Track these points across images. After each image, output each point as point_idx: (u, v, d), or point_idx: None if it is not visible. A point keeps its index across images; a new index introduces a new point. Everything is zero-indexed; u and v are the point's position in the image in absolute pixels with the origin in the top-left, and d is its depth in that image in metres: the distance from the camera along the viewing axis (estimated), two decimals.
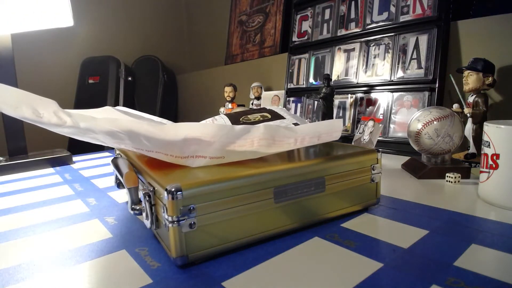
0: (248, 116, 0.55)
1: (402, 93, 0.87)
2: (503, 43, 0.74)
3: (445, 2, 0.80)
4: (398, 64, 0.88)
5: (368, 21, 0.96)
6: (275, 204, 0.35)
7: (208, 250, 0.32)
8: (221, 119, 0.57)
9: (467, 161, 0.65)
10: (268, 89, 1.36)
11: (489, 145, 0.44)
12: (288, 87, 1.22)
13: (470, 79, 0.67)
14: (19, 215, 0.49)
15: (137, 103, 2.06)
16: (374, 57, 0.94)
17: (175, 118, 2.20)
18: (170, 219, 0.30)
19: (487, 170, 0.44)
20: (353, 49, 1.00)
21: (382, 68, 0.92)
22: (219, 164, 0.37)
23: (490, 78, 0.66)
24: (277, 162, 0.37)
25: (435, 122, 0.57)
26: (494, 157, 0.43)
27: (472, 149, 0.67)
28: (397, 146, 0.84)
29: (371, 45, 0.96)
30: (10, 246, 0.38)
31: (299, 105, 1.17)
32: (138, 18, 2.17)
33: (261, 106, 1.31)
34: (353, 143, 0.80)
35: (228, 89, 1.28)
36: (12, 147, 0.86)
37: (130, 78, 1.98)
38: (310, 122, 1.10)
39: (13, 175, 0.77)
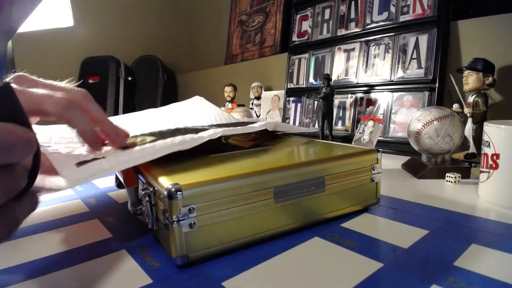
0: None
1: (402, 93, 0.87)
2: (503, 43, 0.74)
3: (445, 2, 0.80)
4: (398, 64, 0.88)
5: (368, 21, 0.96)
6: (275, 204, 0.35)
7: (208, 250, 0.32)
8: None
9: (467, 161, 0.65)
10: (268, 89, 1.36)
11: (489, 145, 0.44)
12: (288, 87, 1.22)
13: (470, 79, 0.67)
14: None
15: (137, 103, 2.05)
16: (374, 57, 0.94)
17: None
18: (170, 219, 0.30)
19: (487, 170, 0.44)
20: (353, 49, 1.00)
21: (382, 68, 0.92)
22: (219, 164, 0.37)
23: (490, 78, 0.66)
24: (277, 162, 0.37)
25: (435, 122, 0.57)
26: (494, 157, 0.43)
27: (472, 149, 0.67)
28: (397, 146, 0.84)
29: (371, 45, 0.96)
30: (9, 246, 0.38)
31: (299, 105, 1.17)
32: (138, 18, 2.17)
33: (261, 106, 1.31)
34: (353, 143, 0.80)
35: (228, 89, 1.28)
36: None
37: (130, 78, 1.97)
38: (309, 121, 1.10)
39: None
